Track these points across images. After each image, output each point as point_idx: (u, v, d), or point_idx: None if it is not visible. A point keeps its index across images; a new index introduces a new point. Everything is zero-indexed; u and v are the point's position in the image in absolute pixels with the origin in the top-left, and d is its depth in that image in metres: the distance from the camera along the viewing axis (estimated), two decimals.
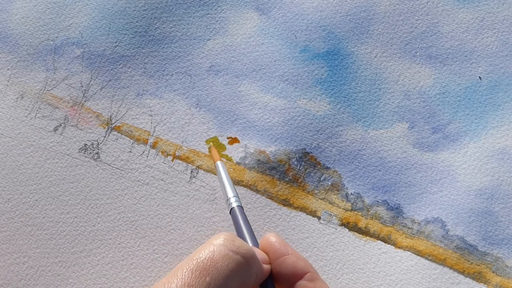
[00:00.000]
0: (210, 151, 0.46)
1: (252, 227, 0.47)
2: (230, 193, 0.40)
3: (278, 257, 0.35)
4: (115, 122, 0.50)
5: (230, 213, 0.39)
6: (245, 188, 0.48)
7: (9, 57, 0.52)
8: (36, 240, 0.47)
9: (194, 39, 0.52)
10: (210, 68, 0.51)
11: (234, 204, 0.39)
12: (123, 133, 0.49)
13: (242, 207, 0.39)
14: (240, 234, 0.37)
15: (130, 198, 0.48)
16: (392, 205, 0.47)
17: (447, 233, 0.46)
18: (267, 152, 0.49)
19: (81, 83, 0.51)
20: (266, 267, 0.34)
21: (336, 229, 0.47)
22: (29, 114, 0.50)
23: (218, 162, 0.42)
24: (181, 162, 0.49)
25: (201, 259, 0.30)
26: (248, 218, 0.47)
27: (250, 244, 0.36)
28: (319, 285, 0.34)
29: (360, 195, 0.48)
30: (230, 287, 0.30)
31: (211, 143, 0.48)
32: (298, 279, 0.34)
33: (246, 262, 0.31)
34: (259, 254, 0.35)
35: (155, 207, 0.47)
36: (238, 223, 0.38)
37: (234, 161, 0.48)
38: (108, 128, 0.50)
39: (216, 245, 0.31)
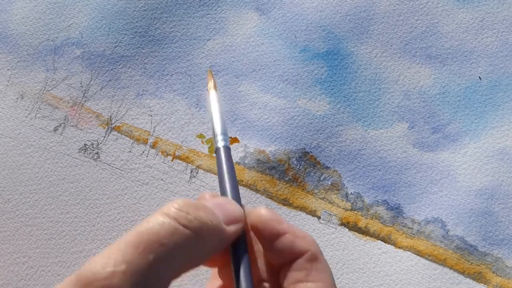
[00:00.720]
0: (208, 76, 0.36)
1: None
2: (219, 129, 0.33)
3: (272, 240, 0.31)
4: (115, 122, 0.50)
5: (215, 153, 0.33)
6: (245, 188, 0.48)
7: (9, 57, 0.52)
8: (36, 240, 0.47)
9: (194, 39, 0.52)
10: (210, 68, 0.51)
11: (221, 144, 0.32)
12: (123, 133, 0.50)
13: (230, 149, 0.33)
14: (220, 182, 0.32)
15: (130, 198, 0.48)
16: (392, 205, 0.47)
17: (447, 233, 0.46)
18: (266, 151, 0.49)
19: (81, 83, 0.51)
20: (233, 228, 0.30)
21: (336, 228, 0.47)
22: (29, 114, 0.50)
23: (213, 91, 0.34)
24: (181, 162, 0.49)
25: (147, 233, 0.26)
26: None
27: (230, 196, 0.32)
28: (315, 267, 0.30)
29: (360, 195, 0.48)
30: (176, 264, 0.27)
31: (210, 68, 0.42)
32: (296, 258, 0.30)
33: (198, 237, 0.28)
34: (227, 214, 0.30)
35: (155, 207, 0.47)
36: (220, 168, 0.32)
37: (234, 161, 0.48)
38: (108, 128, 0.50)
39: (165, 217, 0.27)
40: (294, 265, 0.30)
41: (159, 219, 0.27)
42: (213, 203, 0.30)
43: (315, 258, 0.30)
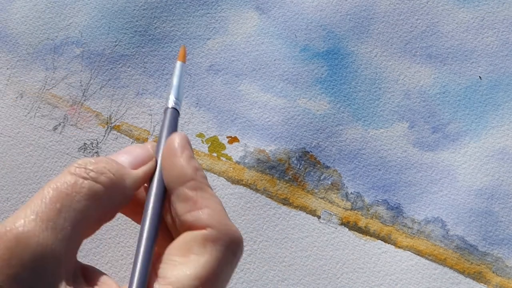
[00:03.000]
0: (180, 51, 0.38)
1: (252, 226, 0.47)
2: (173, 94, 0.35)
3: (169, 158, 0.32)
4: (114, 121, 0.50)
5: (164, 112, 0.35)
6: (245, 187, 0.48)
7: (9, 56, 0.52)
8: None
9: (194, 38, 0.52)
10: (210, 67, 0.51)
11: (170, 104, 0.34)
12: (122, 132, 0.49)
13: (179, 113, 0.35)
14: (159, 139, 0.34)
15: None
16: (392, 205, 0.47)
17: (447, 233, 0.46)
18: (266, 151, 0.49)
19: (80, 82, 0.51)
20: (141, 171, 0.32)
21: (336, 228, 0.47)
22: (28, 113, 0.50)
23: (178, 62, 0.36)
24: None
25: (52, 187, 0.29)
26: (248, 217, 0.47)
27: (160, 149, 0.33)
28: (200, 195, 0.30)
29: (360, 195, 0.48)
30: (84, 212, 0.29)
31: (184, 46, 0.42)
32: (180, 185, 0.31)
33: (105, 189, 0.30)
34: (134, 157, 0.32)
35: None
36: (162, 126, 0.34)
37: (234, 160, 0.48)
38: (107, 127, 0.50)
39: (67, 174, 0.29)
40: (176, 191, 0.31)
41: (66, 176, 0.29)
42: (120, 151, 0.33)
43: (199, 187, 0.31)
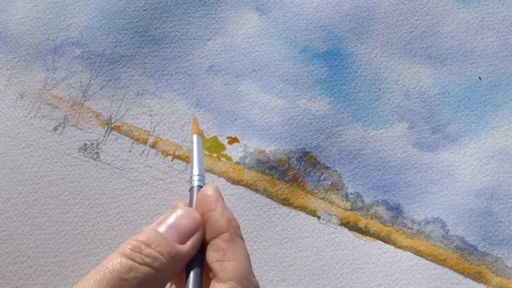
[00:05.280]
0: (193, 123, 0.43)
1: (252, 226, 0.47)
2: (196, 171, 0.38)
3: (205, 212, 0.34)
4: (114, 121, 0.50)
5: (189, 191, 0.38)
6: (245, 188, 0.48)
7: (9, 57, 0.52)
8: (35, 239, 0.47)
9: (194, 39, 0.52)
10: (210, 68, 0.51)
11: (196, 183, 0.37)
12: (122, 133, 0.49)
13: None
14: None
15: (129, 197, 0.48)
16: (392, 205, 0.47)
17: (447, 233, 0.46)
18: (266, 151, 0.49)
19: (81, 83, 0.51)
20: (189, 244, 0.34)
21: (335, 228, 0.47)
22: (28, 113, 0.50)
23: (195, 136, 0.40)
24: (180, 161, 0.49)
25: (108, 270, 0.31)
26: (248, 218, 0.47)
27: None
28: (231, 248, 0.33)
29: (360, 195, 0.48)
30: None
31: (195, 115, 0.46)
32: (215, 237, 0.34)
33: (154, 270, 0.32)
34: (180, 234, 0.34)
35: (154, 207, 0.47)
36: (192, 203, 0.37)
37: (234, 161, 0.48)
38: (107, 128, 0.50)
39: (122, 257, 0.31)
40: (211, 243, 0.34)
41: (117, 258, 0.31)
42: (167, 226, 0.34)
43: (232, 239, 0.34)
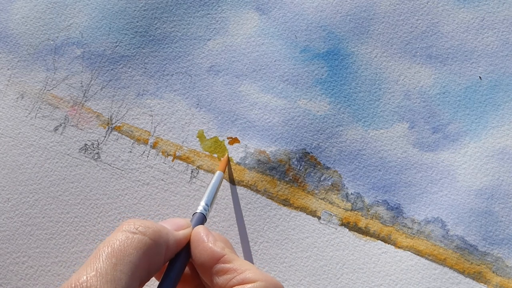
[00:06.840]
0: (222, 159, 0.48)
1: (252, 227, 0.47)
2: (204, 200, 0.42)
3: (198, 245, 0.37)
4: (115, 122, 0.50)
5: (192, 215, 0.41)
6: (245, 188, 0.48)
7: (9, 57, 0.52)
8: (36, 239, 0.47)
9: (195, 39, 0.52)
10: (210, 68, 0.51)
11: (199, 210, 0.41)
12: (123, 133, 0.50)
13: (205, 217, 0.41)
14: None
15: (130, 198, 0.48)
16: (392, 205, 0.47)
17: (447, 233, 0.46)
18: (267, 152, 0.49)
19: (81, 83, 0.51)
20: (182, 233, 0.37)
21: (336, 229, 0.47)
22: (29, 114, 0.50)
23: (218, 172, 0.45)
24: (181, 162, 0.49)
25: (108, 244, 0.34)
26: (249, 218, 0.47)
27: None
28: (238, 264, 0.36)
29: (360, 195, 0.48)
30: (138, 265, 0.33)
31: (227, 153, 0.48)
32: (214, 263, 0.36)
33: (152, 241, 0.35)
34: (174, 224, 0.38)
35: (155, 207, 0.48)
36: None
37: (234, 161, 0.48)
38: (108, 128, 0.50)
39: (122, 232, 0.34)
40: (215, 268, 0.36)
41: (117, 234, 0.34)
42: (162, 221, 0.38)
43: (232, 258, 0.36)
